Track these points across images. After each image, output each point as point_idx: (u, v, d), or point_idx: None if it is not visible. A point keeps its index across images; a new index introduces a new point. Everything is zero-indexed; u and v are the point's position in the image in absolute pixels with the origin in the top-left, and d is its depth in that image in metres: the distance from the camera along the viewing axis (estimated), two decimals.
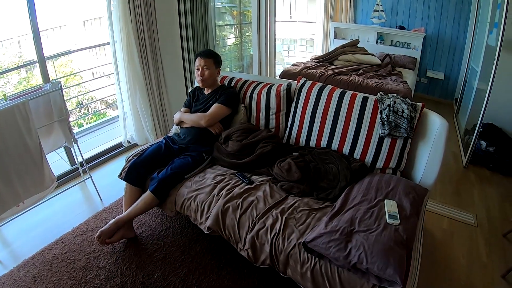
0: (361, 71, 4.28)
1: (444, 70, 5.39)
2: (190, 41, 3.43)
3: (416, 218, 1.61)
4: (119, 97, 3.10)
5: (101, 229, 1.94)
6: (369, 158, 2.03)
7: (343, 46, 4.83)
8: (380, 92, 2.15)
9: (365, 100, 2.09)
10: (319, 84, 2.27)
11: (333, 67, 4.40)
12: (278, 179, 1.93)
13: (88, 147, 3.32)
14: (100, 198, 2.66)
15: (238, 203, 1.75)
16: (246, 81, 2.52)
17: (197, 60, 2.34)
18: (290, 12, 9.07)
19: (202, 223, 1.81)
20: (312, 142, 2.20)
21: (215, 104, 2.29)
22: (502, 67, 3.29)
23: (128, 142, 3.28)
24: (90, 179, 2.69)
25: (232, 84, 2.54)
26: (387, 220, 1.53)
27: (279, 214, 1.67)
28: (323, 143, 2.15)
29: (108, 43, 2.95)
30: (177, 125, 2.46)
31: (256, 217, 1.67)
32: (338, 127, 2.11)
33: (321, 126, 2.16)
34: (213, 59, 2.34)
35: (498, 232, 2.42)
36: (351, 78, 3.87)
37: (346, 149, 2.09)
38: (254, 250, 1.62)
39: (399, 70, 4.63)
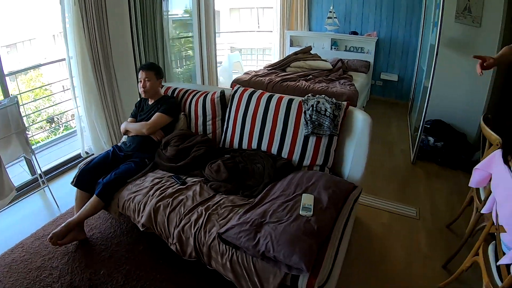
0: (310, 76, 4.45)
1: (398, 72, 5.60)
2: (143, 54, 3.60)
3: (334, 210, 1.76)
4: (76, 112, 3.25)
5: (53, 231, 2.08)
6: (296, 156, 2.21)
7: (295, 53, 5.02)
8: (309, 94, 2.33)
9: (290, 102, 2.28)
10: (250, 90, 2.46)
11: (283, 74, 4.57)
12: (208, 179, 2.12)
13: (50, 159, 3.46)
14: (57, 205, 2.79)
15: (168, 201, 1.93)
16: (187, 91, 2.70)
17: (139, 73, 2.52)
18: (258, 22, 9.28)
19: (138, 221, 1.98)
20: (244, 144, 2.39)
21: (156, 113, 2.47)
22: (446, 65, 3.49)
23: (86, 153, 3.42)
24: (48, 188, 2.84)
25: (175, 93, 2.72)
26: (300, 212, 1.68)
27: (203, 210, 1.84)
28: (254, 144, 2.34)
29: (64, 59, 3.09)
30: (123, 134, 2.62)
31: (183, 214, 1.84)
32: (266, 129, 2.30)
33: (251, 129, 2.35)
34: (154, 71, 2.52)
35: (442, 224, 2.50)
36: (298, 84, 4.04)
37: (274, 149, 2.27)
38: (181, 244, 1.80)
39: (350, 74, 4.84)
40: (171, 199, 1.95)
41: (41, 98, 8.28)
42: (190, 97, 2.62)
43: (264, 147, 2.31)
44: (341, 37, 5.68)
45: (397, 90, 5.72)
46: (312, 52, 5.17)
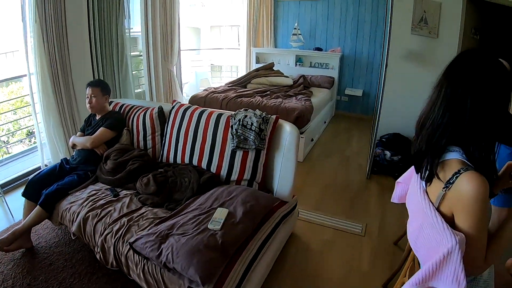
0: (268, 92, 4.58)
1: (363, 87, 5.76)
2: (101, 71, 3.76)
3: (249, 225, 1.83)
4: (36, 128, 3.41)
5: None
6: (224, 171, 2.34)
7: (257, 70, 5.18)
8: (241, 109, 2.41)
9: (219, 117, 2.41)
10: (185, 106, 2.62)
11: (241, 90, 4.68)
12: (139, 192, 2.28)
13: (10, 172, 3.60)
14: (12, 215, 2.93)
15: (97, 212, 2.08)
16: (132, 107, 2.86)
17: (87, 89, 2.69)
18: (239, 40, 9.48)
19: (71, 230, 2.14)
20: (178, 159, 2.55)
21: (100, 128, 2.63)
22: (403, 77, 3.71)
23: (46, 165, 3.57)
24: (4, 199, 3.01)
25: (122, 109, 2.89)
26: (208, 226, 1.74)
27: (126, 221, 1.98)
28: (186, 159, 2.50)
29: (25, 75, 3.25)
30: (72, 147, 2.79)
31: (107, 224, 1.99)
32: (197, 144, 2.45)
33: (184, 144, 2.51)
34: (100, 88, 2.69)
35: (390, 241, 2.47)
36: (251, 100, 4.16)
37: (204, 164, 2.42)
38: (104, 253, 1.93)
39: (310, 90, 5.00)
40: (100, 210, 2.10)
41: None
42: (134, 112, 2.78)
43: (195, 161, 2.47)
44: (305, 54, 5.87)
45: (362, 105, 5.87)
46: (275, 68, 5.34)
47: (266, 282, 2.03)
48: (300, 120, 3.74)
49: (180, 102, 2.70)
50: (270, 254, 2.02)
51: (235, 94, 4.37)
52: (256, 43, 6.27)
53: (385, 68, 3.23)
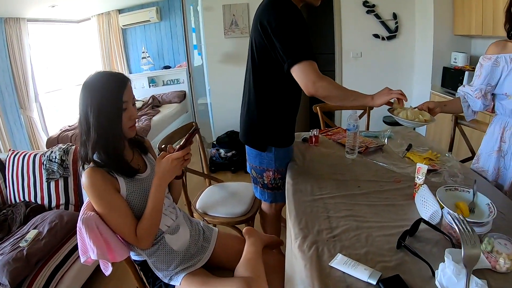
0: None
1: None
2: None
3: (53, 240, 2.28)
4: None
5: None
6: (46, 200, 2.86)
7: None
8: (69, 143, 2.97)
9: (35, 157, 2.87)
10: (16, 152, 3.01)
11: None
12: None
13: None
14: None
15: None
16: None
17: None
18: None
19: None
20: (17, 198, 2.93)
21: None
22: (224, 79, 4.31)
23: None
24: None
25: None
26: (20, 244, 2.13)
27: None
28: (21, 197, 2.89)
29: None
30: None
31: None
32: (25, 183, 2.86)
33: (17, 185, 2.85)
34: None
35: None
36: None
37: (33, 197, 2.90)
38: None
39: (159, 109, 5.61)
40: None
41: None
42: None
43: (27, 197, 2.97)
44: (156, 74, 6.39)
45: None
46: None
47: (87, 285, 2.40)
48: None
49: (15, 150, 3.11)
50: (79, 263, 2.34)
51: None
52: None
53: (191, 76, 4.03)
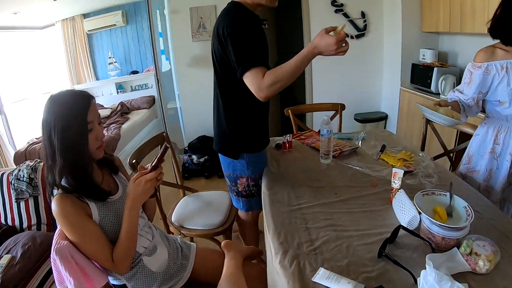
0: None
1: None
2: None
3: (28, 263, 2.24)
4: None
5: None
6: (17, 222, 2.72)
7: None
8: (36, 159, 2.87)
9: (2, 176, 2.74)
10: None
11: None
12: None
13: None
14: None
15: None
16: None
17: None
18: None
19: None
20: None
21: None
22: (194, 82, 4.25)
23: None
24: None
25: None
26: None
27: None
28: None
29: None
30: None
31: None
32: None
33: None
34: None
35: None
36: None
37: (3, 219, 2.74)
38: None
39: (128, 116, 5.48)
40: None
41: None
42: None
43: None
44: (124, 79, 6.25)
45: None
46: (97, 101, 5.77)
47: None
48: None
49: None
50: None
51: None
52: (79, 80, 6.40)
53: (159, 82, 3.91)
